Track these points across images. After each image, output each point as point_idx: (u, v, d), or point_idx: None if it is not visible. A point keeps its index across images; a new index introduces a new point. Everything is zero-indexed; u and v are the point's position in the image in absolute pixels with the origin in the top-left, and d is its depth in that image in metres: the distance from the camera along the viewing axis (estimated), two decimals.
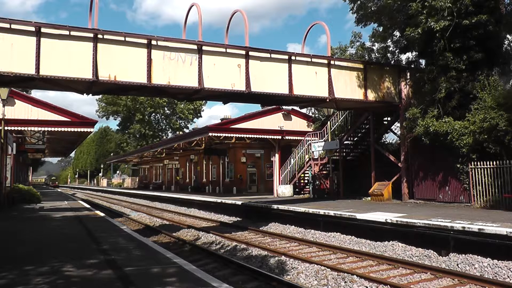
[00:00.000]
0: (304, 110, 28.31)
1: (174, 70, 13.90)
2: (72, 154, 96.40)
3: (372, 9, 17.92)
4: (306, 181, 25.59)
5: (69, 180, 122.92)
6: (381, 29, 18.72)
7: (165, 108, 71.63)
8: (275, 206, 17.07)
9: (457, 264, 8.76)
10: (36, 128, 22.32)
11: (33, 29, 12.26)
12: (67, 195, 40.30)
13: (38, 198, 23.87)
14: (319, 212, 14.27)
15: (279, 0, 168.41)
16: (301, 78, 15.99)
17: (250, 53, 15.10)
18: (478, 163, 14.39)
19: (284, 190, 24.79)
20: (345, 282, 7.73)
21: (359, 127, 22.32)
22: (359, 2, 18.33)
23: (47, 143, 33.24)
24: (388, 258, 9.50)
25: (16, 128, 21.28)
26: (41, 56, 12.27)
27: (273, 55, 15.61)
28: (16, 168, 31.10)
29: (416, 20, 15.38)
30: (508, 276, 7.89)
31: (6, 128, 19.01)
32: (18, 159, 32.94)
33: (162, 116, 74.09)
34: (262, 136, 27.64)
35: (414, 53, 18.32)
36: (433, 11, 14.78)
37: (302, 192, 25.62)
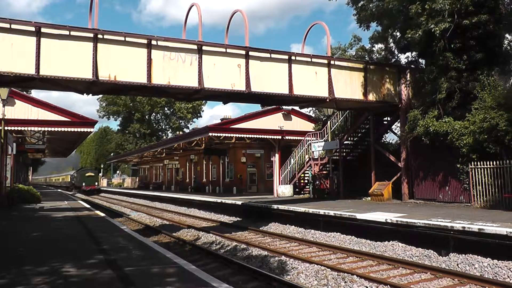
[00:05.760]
0: (304, 110, 28.33)
1: (174, 70, 13.90)
2: (72, 154, 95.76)
3: (373, 10, 17.95)
4: (306, 181, 25.59)
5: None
6: (381, 29, 18.76)
7: (165, 108, 71.60)
8: (275, 206, 17.07)
9: (457, 264, 8.76)
10: (36, 128, 22.33)
11: (33, 29, 12.27)
12: (67, 195, 40.29)
13: (38, 198, 23.88)
14: (319, 212, 14.27)
15: (284, 1, 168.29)
16: (301, 78, 15.99)
17: (250, 53, 15.10)
18: (478, 163, 14.38)
19: (284, 190, 24.78)
20: (345, 282, 7.73)
21: (359, 127, 22.32)
22: (360, 4, 18.39)
23: (47, 143, 33.22)
24: (388, 258, 9.50)
25: (16, 128, 21.28)
26: (41, 56, 12.27)
27: (273, 55, 15.61)
28: (16, 168, 31.10)
29: (417, 22, 15.38)
30: (508, 276, 7.89)
31: (6, 128, 19.00)
32: (18, 159, 32.94)
33: (162, 116, 74.09)
34: (262, 136, 27.65)
35: (414, 53, 18.35)
36: (433, 12, 14.78)
37: (302, 192, 25.62)
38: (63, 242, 9.32)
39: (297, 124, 29.34)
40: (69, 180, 68.45)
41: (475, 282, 7.56)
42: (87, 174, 54.29)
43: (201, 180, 39.44)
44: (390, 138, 25.97)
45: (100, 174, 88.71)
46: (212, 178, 37.39)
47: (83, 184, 52.19)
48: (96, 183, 54.57)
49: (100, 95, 66.05)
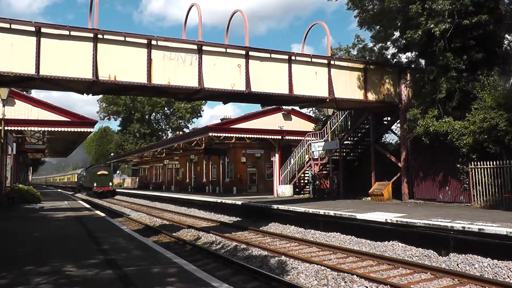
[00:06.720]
0: (304, 110, 28.32)
1: (174, 70, 13.90)
2: (73, 153, 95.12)
3: (374, 10, 17.95)
4: (306, 181, 25.58)
5: None
6: (381, 29, 18.76)
7: (165, 108, 71.63)
8: (275, 206, 17.07)
9: (457, 264, 8.77)
10: (36, 128, 22.34)
11: (33, 29, 12.27)
12: (67, 195, 40.29)
13: (38, 198, 23.90)
14: (319, 212, 14.27)
15: (284, 1, 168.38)
16: (301, 78, 15.99)
17: (250, 53, 15.10)
18: (478, 163, 14.39)
19: (284, 190, 24.78)
20: (345, 282, 7.73)
21: (359, 127, 22.32)
22: (360, 6, 18.39)
23: (47, 143, 33.24)
24: (388, 258, 9.50)
25: (16, 128, 21.29)
26: (41, 56, 12.27)
27: (273, 55, 15.61)
28: (16, 168, 31.09)
29: (417, 22, 15.38)
30: (508, 276, 7.89)
31: (6, 128, 19.01)
32: (18, 159, 32.94)
33: (162, 116, 74.11)
34: (262, 136, 27.64)
35: (414, 53, 18.35)
36: (433, 12, 14.79)
37: (302, 192, 25.62)
38: (63, 242, 9.33)
39: (297, 124, 29.32)
40: (75, 179, 58.61)
41: (475, 282, 7.57)
42: (99, 173, 43.79)
43: (201, 180, 39.45)
44: (390, 138, 26.01)
45: None
46: (212, 178, 37.41)
47: (94, 184, 42.97)
48: (110, 183, 44.77)
49: (100, 96, 66.23)
